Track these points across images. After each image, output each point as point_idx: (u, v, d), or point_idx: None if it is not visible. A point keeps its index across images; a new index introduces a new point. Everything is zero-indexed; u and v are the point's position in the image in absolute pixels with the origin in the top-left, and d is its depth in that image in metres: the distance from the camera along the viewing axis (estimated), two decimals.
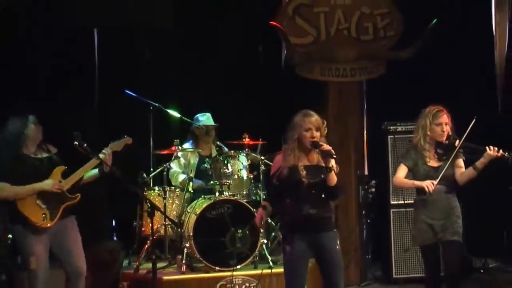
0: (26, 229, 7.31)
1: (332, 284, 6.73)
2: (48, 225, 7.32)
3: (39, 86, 9.69)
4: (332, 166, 6.57)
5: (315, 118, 6.70)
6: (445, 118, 7.31)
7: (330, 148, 6.56)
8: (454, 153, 7.22)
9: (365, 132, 10.13)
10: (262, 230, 8.68)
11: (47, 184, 7.35)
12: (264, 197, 9.29)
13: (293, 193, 6.66)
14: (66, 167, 7.52)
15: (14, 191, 7.28)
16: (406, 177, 7.40)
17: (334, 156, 6.56)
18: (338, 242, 6.80)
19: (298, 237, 6.67)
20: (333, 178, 6.62)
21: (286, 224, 6.86)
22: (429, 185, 7.16)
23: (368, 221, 10.11)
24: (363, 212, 10.04)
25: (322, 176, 6.63)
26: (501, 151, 7.08)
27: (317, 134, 6.65)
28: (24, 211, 7.26)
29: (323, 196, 6.67)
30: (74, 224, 7.54)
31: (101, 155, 7.49)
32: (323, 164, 6.63)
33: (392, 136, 9.89)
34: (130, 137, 7.82)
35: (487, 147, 7.12)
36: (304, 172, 6.63)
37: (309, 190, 6.62)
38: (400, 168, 7.45)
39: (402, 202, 9.61)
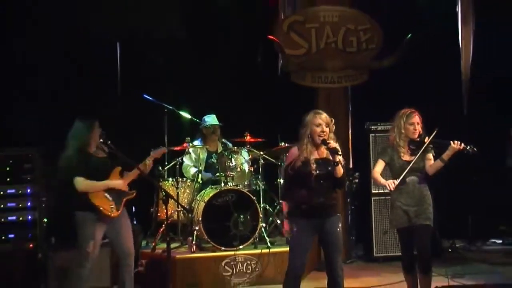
0: (96, 216, 7.37)
1: (332, 261, 6.76)
2: (115, 214, 7.44)
3: (71, 90, 9.70)
4: (339, 160, 6.61)
5: (324, 115, 6.76)
6: (416, 118, 7.32)
7: (336, 145, 6.61)
8: (423, 148, 7.24)
9: (350, 131, 10.09)
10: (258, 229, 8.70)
11: (119, 183, 7.50)
12: (263, 188, 9.32)
13: (304, 183, 6.68)
14: (121, 167, 7.63)
15: (93, 184, 7.38)
16: (383, 170, 7.42)
17: (340, 153, 6.60)
18: (340, 225, 6.83)
19: (305, 221, 6.70)
20: (340, 171, 6.68)
21: (296, 209, 6.81)
22: (390, 183, 7.19)
23: (353, 207, 10.13)
24: (348, 200, 10.04)
25: (330, 168, 6.67)
26: (462, 144, 7.10)
27: (326, 129, 6.69)
28: (96, 202, 7.35)
29: (329, 186, 6.71)
30: (126, 213, 7.64)
31: (146, 161, 7.66)
32: (330, 158, 6.67)
33: (373, 135, 9.95)
34: (165, 147, 8.04)
35: (451, 142, 7.14)
36: (314, 165, 6.66)
37: (317, 181, 6.66)
38: (378, 163, 7.46)
39: (382, 191, 9.59)
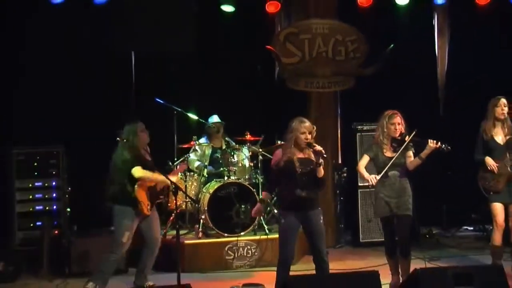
0: (134, 212, 7.41)
1: (316, 249, 6.82)
2: (148, 213, 7.51)
3: (92, 96, 9.75)
4: (321, 162, 6.66)
5: (308, 124, 6.82)
6: (398, 119, 7.36)
7: (321, 148, 6.66)
8: (404, 146, 7.29)
9: (339, 130, 10.08)
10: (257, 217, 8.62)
11: (170, 179, 7.36)
12: (262, 181, 9.34)
13: (289, 180, 6.74)
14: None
15: (151, 174, 7.42)
16: (367, 165, 7.47)
17: (325, 156, 6.67)
18: (322, 217, 6.88)
19: (292, 213, 6.76)
20: (321, 172, 6.74)
21: (283, 203, 6.92)
22: (372, 178, 7.24)
23: (341, 198, 10.12)
24: (337, 191, 10.05)
25: (311, 167, 6.72)
26: (439, 143, 7.15)
27: (309, 136, 6.76)
28: (140, 199, 7.39)
29: (311, 182, 6.75)
30: (155, 211, 7.70)
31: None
32: (312, 158, 6.73)
33: (360, 134, 9.96)
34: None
35: (428, 140, 7.19)
36: (298, 163, 6.72)
37: (301, 178, 6.71)
38: (363, 157, 7.51)
39: (367, 184, 9.55)
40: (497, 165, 7.72)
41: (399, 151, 7.28)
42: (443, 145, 7.16)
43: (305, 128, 6.75)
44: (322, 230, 6.87)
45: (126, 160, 7.39)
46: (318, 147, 6.67)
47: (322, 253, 6.81)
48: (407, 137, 7.29)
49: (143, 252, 7.69)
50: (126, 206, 7.41)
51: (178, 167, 8.23)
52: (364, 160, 7.48)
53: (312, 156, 6.76)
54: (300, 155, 6.78)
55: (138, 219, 7.49)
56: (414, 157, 7.33)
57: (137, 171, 7.35)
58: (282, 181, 6.84)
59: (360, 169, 7.45)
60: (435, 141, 7.16)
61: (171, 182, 7.23)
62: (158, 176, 7.44)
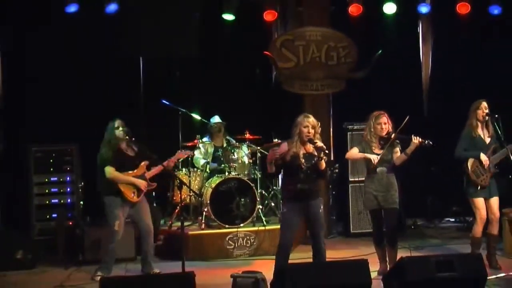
0: (120, 200, 7.49)
1: (316, 236, 6.82)
2: (136, 200, 7.56)
3: (104, 97, 9.76)
4: (323, 156, 6.65)
5: (311, 119, 6.80)
6: (384, 119, 7.37)
7: (322, 145, 6.65)
8: (389, 143, 7.31)
9: (331, 129, 10.05)
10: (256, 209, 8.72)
11: (142, 183, 7.58)
12: (260, 176, 9.30)
13: (293, 173, 6.74)
14: (148, 163, 7.71)
15: (118, 176, 7.50)
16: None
17: (326, 152, 6.66)
18: (322, 207, 6.87)
19: (293, 203, 6.75)
20: (323, 165, 6.73)
21: (286, 194, 6.89)
22: (375, 158, 7.25)
23: (333, 192, 10.14)
24: (330, 186, 10.05)
25: (314, 161, 6.71)
26: (421, 139, 7.16)
27: (312, 130, 6.72)
28: (121, 188, 7.47)
29: (313, 175, 6.76)
30: (145, 199, 7.74)
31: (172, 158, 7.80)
32: (315, 153, 6.72)
33: (350, 133, 9.92)
34: (191, 152, 8.26)
35: (412, 136, 7.20)
36: (303, 159, 6.71)
37: (305, 172, 6.71)
38: (353, 148, 7.56)
39: (357, 179, 9.63)
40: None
41: (386, 147, 7.30)
42: (425, 141, 7.18)
43: (308, 123, 6.72)
44: (322, 219, 6.88)
45: (103, 158, 7.54)
46: (319, 143, 6.65)
47: (321, 240, 6.81)
48: (393, 135, 7.31)
49: (141, 241, 7.75)
50: (113, 197, 7.51)
51: (175, 156, 8.12)
52: (354, 150, 7.51)
53: (315, 152, 6.73)
54: (305, 150, 6.76)
55: (127, 207, 7.57)
56: (401, 153, 7.35)
57: (108, 172, 7.48)
58: (287, 173, 6.83)
59: (357, 153, 7.43)
60: (418, 138, 7.17)
61: (178, 178, 7.29)
62: (128, 179, 7.52)
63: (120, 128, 7.57)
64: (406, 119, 7.20)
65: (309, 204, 6.76)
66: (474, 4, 10.06)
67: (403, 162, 7.32)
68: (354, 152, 7.50)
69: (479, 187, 7.64)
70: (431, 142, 7.18)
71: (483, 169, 7.64)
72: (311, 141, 6.69)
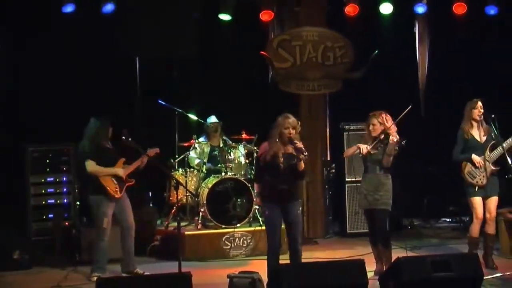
0: (105, 198, 7.50)
1: (293, 238, 6.86)
2: (119, 196, 7.57)
3: (101, 97, 9.75)
4: (301, 157, 6.64)
5: (292, 119, 6.77)
6: (373, 120, 7.36)
7: (302, 146, 6.64)
8: (375, 142, 7.28)
9: (328, 129, 10.09)
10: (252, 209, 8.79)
11: (121, 171, 7.62)
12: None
13: (272, 173, 6.73)
14: (125, 159, 7.74)
15: (101, 168, 7.53)
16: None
17: (305, 154, 6.63)
18: (300, 209, 6.90)
19: (274, 205, 6.76)
20: (301, 166, 6.72)
21: (266, 195, 6.90)
22: (364, 148, 7.24)
23: (330, 192, 10.12)
24: (326, 186, 10.05)
25: (293, 162, 6.70)
26: (396, 138, 7.13)
27: (293, 131, 6.73)
28: (105, 183, 7.49)
29: (292, 176, 6.76)
30: (126, 195, 7.74)
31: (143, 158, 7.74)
32: (295, 153, 6.71)
33: (347, 133, 9.93)
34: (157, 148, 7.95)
35: (390, 137, 7.16)
36: (282, 158, 6.71)
37: (283, 171, 6.70)
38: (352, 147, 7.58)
39: (354, 179, 9.65)
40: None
41: (377, 146, 7.28)
42: (402, 141, 7.17)
43: (289, 124, 6.72)
44: (300, 221, 6.92)
45: (85, 152, 7.57)
46: (299, 144, 6.64)
47: (298, 242, 6.85)
48: (382, 136, 7.30)
49: (121, 239, 7.72)
50: (98, 195, 7.54)
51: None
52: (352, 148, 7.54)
53: (294, 152, 6.72)
54: (284, 150, 6.75)
55: (111, 204, 7.58)
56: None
57: (89, 165, 7.52)
58: (266, 174, 6.82)
59: (350, 148, 7.50)
60: (394, 138, 7.15)
61: (174, 178, 7.27)
62: (108, 170, 7.56)
63: (103, 125, 7.66)
64: (408, 108, 7.19)
65: (288, 205, 6.78)
66: (471, 4, 10.06)
67: (388, 161, 7.28)
68: (349, 148, 7.52)
69: (476, 188, 7.65)
70: (403, 142, 7.18)
71: (477, 170, 7.65)
72: (291, 141, 6.68)
